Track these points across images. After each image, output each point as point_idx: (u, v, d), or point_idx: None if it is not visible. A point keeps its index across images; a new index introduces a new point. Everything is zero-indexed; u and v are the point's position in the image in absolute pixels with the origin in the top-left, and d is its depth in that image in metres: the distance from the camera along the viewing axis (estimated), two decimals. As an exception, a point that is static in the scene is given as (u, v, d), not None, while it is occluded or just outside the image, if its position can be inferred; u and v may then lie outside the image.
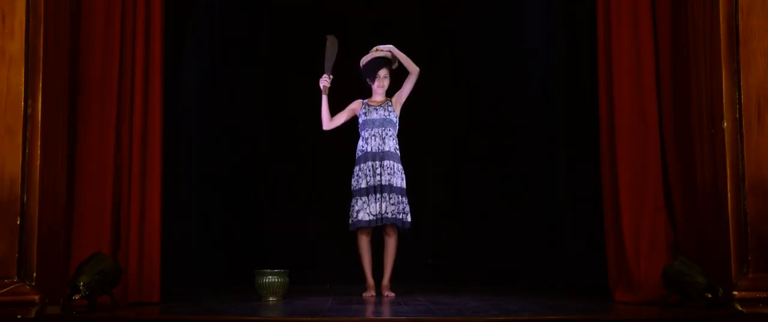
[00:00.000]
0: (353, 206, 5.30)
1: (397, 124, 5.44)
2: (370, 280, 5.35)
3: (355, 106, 5.50)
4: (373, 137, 5.35)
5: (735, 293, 3.84)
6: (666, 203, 4.51)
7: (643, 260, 4.43)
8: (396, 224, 5.25)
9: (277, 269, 4.94)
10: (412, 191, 5.42)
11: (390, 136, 5.38)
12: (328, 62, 5.42)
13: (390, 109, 5.44)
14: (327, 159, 6.95)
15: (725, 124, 4.00)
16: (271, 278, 4.89)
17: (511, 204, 7.12)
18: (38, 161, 3.87)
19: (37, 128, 3.88)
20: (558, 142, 5.90)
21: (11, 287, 3.73)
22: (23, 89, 3.86)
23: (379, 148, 5.32)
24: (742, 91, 3.97)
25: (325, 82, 5.38)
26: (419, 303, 4.73)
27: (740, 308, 3.79)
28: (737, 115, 3.98)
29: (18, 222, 3.80)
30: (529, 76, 6.88)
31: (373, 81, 5.50)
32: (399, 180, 5.33)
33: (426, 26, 7.60)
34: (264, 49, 7.50)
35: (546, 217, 6.23)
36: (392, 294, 5.24)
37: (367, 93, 5.58)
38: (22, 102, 3.86)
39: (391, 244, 5.33)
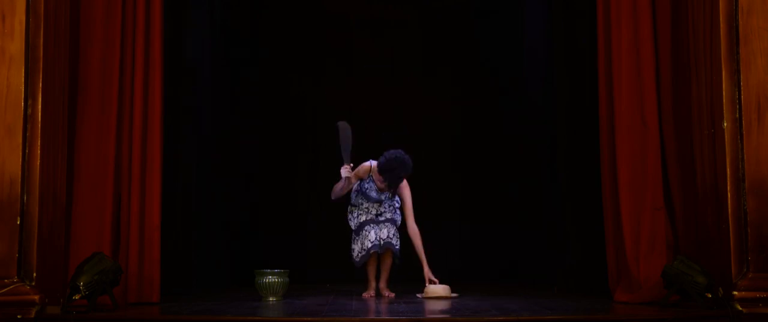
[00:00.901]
0: (356, 244, 5.25)
1: None
2: (372, 282, 5.38)
3: (364, 171, 5.24)
4: (364, 213, 5.30)
5: (735, 293, 3.84)
6: (666, 203, 4.51)
7: (643, 260, 4.43)
8: (388, 248, 5.23)
9: (277, 269, 4.95)
10: (412, 192, 5.41)
11: (383, 212, 5.31)
12: (346, 151, 5.19)
13: (387, 197, 5.29)
14: (327, 159, 6.93)
15: (725, 124, 4.00)
16: (271, 278, 4.89)
17: (511, 204, 7.12)
18: (38, 161, 3.87)
19: (37, 128, 3.88)
20: (558, 142, 5.89)
21: (11, 287, 3.73)
22: (23, 89, 3.86)
23: (375, 218, 5.29)
24: (742, 91, 3.97)
25: (346, 172, 5.16)
26: (419, 303, 4.73)
27: (740, 308, 3.79)
28: (737, 115, 3.98)
29: (18, 222, 3.80)
30: (529, 76, 6.87)
31: (385, 186, 5.17)
32: (398, 217, 5.33)
33: (426, 27, 7.61)
34: (264, 50, 7.49)
35: (546, 217, 6.22)
36: (392, 294, 5.27)
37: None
38: (22, 102, 3.86)
39: (388, 258, 5.32)
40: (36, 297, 3.73)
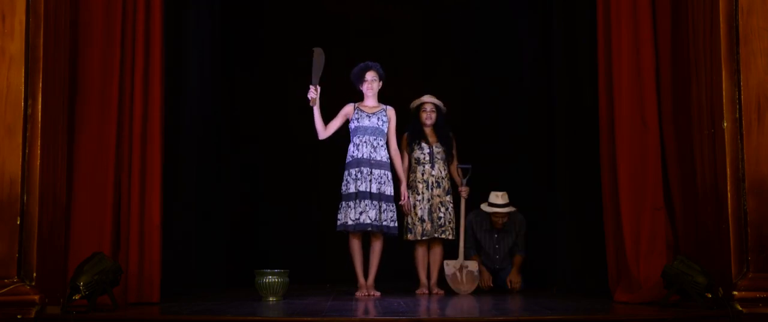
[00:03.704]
0: (341, 210, 5.40)
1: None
2: (362, 280, 5.47)
3: (348, 110, 5.57)
4: (364, 144, 5.43)
5: (735, 293, 3.84)
6: (666, 203, 4.51)
7: (643, 260, 4.43)
8: (382, 230, 5.38)
9: (277, 269, 4.95)
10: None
11: (381, 145, 5.48)
12: (316, 74, 5.43)
13: (384, 119, 5.52)
14: (328, 158, 6.95)
15: (725, 124, 3.99)
16: (271, 278, 4.90)
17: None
18: (38, 161, 3.86)
19: (37, 128, 3.88)
20: (558, 142, 5.89)
21: (11, 287, 3.72)
22: (23, 89, 3.86)
23: (370, 156, 5.41)
24: (742, 91, 3.97)
25: (312, 94, 5.40)
26: (419, 303, 4.73)
27: (740, 308, 3.79)
28: (737, 115, 3.98)
29: (18, 222, 3.80)
30: (529, 76, 6.87)
31: (362, 85, 5.56)
32: (390, 189, 5.45)
33: (426, 27, 7.61)
34: (264, 49, 7.50)
35: (546, 217, 6.22)
36: (378, 293, 5.36)
37: (359, 97, 5.64)
38: (22, 102, 3.85)
39: (377, 247, 5.46)
40: (36, 297, 3.73)
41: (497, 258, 6.08)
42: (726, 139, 3.99)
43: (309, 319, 3.78)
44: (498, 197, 5.99)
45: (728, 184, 3.96)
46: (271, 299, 4.86)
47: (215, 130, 6.61)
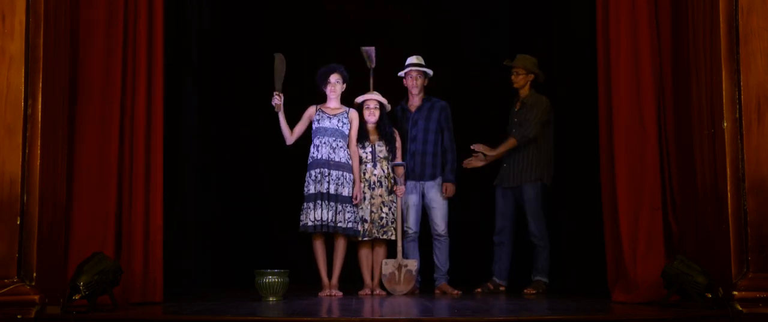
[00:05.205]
0: (303, 211, 5.44)
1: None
2: (325, 280, 5.51)
3: (310, 112, 5.60)
4: (323, 145, 5.46)
5: (735, 293, 3.84)
6: (664, 203, 4.50)
7: (640, 260, 4.43)
8: (339, 231, 5.40)
9: (277, 269, 4.95)
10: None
11: (341, 146, 5.49)
12: (278, 80, 5.47)
13: (345, 121, 5.54)
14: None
15: (725, 124, 3.99)
16: (271, 278, 4.90)
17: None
18: (38, 161, 3.86)
19: (37, 128, 3.88)
20: (557, 141, 5.89)
21: (11, 287, 3.72)
22: (23, 89, 3.86)
23: (328, 157, 5.43)
24: (742, 91, 3.97)
25: (276, 100, 5.43)
26: (419, 303, 4.73)
27: (740, 308, 3.79)
28: (737, 115, 3.98)
29: (18, 222, 3.80)
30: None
31: (325, 86, 5.58)
32: (348, 190, 5.45)
33: (426, 27, 7.60)
34: (265, 49, 7.48)
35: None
36: (339, 293, 5.39)
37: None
38: (22, 102, 3.85)
39: (339, 248, 5.49)
40: (36, 297, 3.73)
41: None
42: (726, 139, 3.99)
43: (309, 319, 3.79)
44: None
45: (728, 184, 3.96)
46: (271, 299, 4.86)
47: (215, 131, 6.61)
